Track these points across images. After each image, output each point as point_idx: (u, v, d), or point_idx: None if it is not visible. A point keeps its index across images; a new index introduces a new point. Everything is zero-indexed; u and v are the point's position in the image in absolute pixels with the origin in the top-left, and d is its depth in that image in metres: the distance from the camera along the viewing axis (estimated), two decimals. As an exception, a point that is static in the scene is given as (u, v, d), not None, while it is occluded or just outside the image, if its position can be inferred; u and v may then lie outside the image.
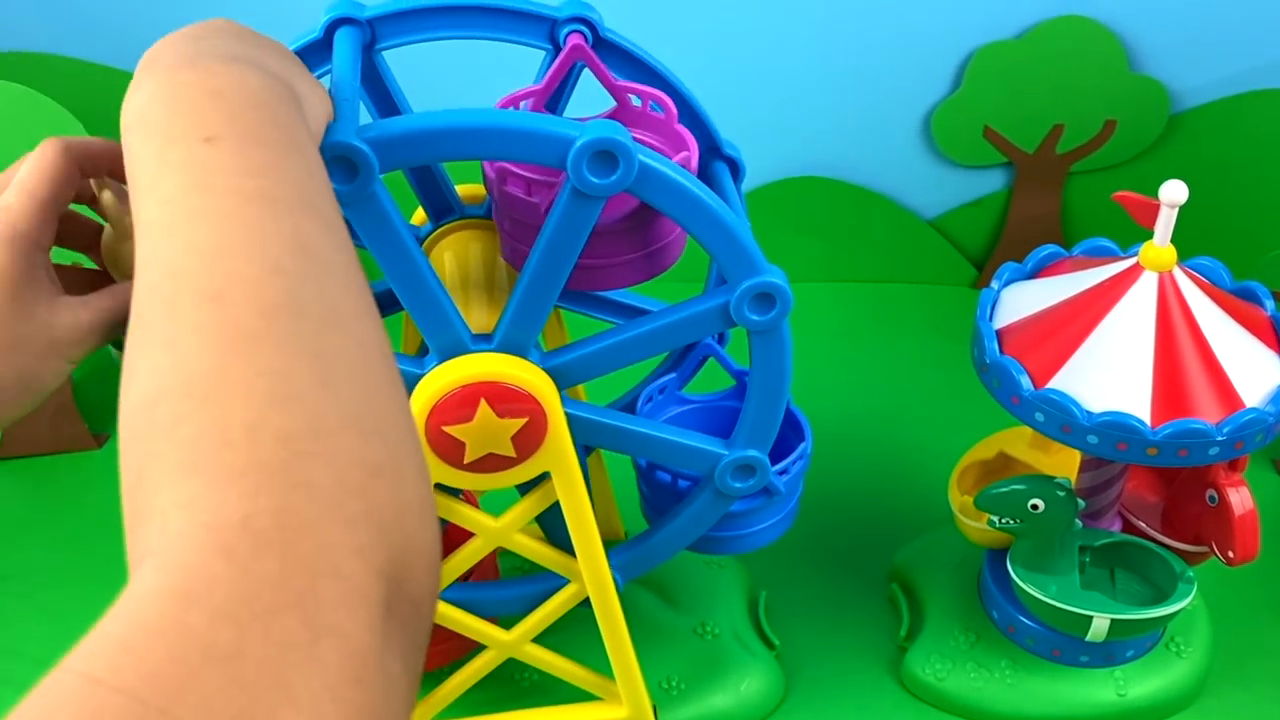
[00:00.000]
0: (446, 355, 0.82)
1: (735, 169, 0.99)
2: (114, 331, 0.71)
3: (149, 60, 0.60)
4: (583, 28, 0.91)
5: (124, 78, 1.61)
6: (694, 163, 0.86)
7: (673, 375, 1.05)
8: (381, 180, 0.74)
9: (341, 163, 0.72)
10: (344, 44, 0.84)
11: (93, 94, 1.39)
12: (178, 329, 0.46)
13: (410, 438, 0.48)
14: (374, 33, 0.88)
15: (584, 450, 1.08)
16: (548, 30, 0.91)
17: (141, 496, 0.43)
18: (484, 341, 0.83)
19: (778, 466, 0.96)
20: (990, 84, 1.45)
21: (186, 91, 0.55)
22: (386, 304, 1.02)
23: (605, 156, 0.74)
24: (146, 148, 0.54)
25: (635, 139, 0.76)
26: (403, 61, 0.93)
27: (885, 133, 1.51)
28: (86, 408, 1.39)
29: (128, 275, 0.77)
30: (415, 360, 0.84)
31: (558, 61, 0.89)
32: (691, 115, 0.96)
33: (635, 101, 0.91)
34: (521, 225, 0.85)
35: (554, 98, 0.93)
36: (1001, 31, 1.43)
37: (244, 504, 0.41)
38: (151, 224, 0.51)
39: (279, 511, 0.41)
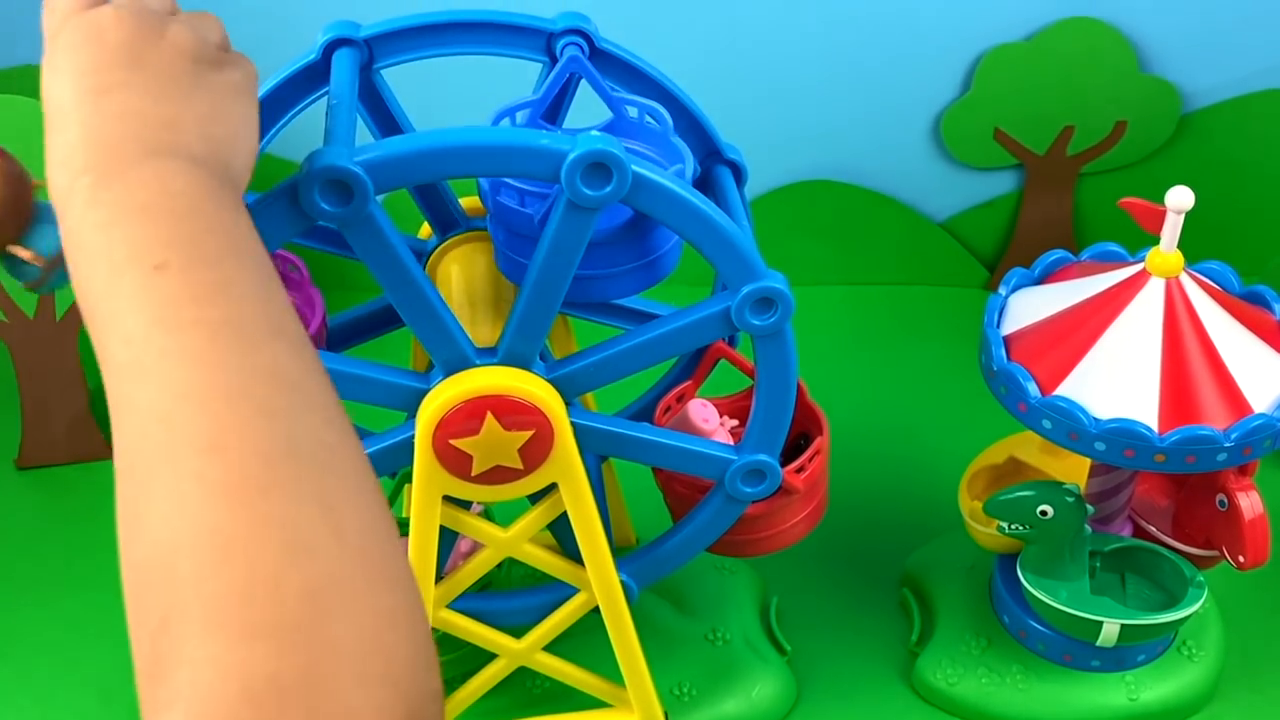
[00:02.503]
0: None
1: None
2: None
3: (63, 135, 0.58)
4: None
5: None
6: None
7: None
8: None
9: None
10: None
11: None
12: (179, 479, 0.47)
13: (412, 579, 0.50)
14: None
15: (597, 459, 1.09)
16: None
17: (166, 644, 0.44)
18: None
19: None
20: (1000, 86, 1.45)
21: (114, 213, 0.55)
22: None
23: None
24: (92, 274, 0.54)
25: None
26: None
27: (895, 135, 1.51)
28: (103, 418, 1.40)
29: None
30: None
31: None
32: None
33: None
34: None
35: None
36: (1011, 33, 1.43)
37: (271, 662, 0.43)
38: (121, 366, 0.51)
39: (306, 670, 0.43)
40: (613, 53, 0.93)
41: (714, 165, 0.98)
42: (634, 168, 0.76)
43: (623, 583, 0.96)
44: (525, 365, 0.84)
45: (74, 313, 1.32)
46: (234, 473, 0.47)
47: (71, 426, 1.37)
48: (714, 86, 1.16)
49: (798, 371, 0.89)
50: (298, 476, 0.48)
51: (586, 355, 0.86)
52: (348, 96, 0.80)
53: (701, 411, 0.99)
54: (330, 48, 0.87)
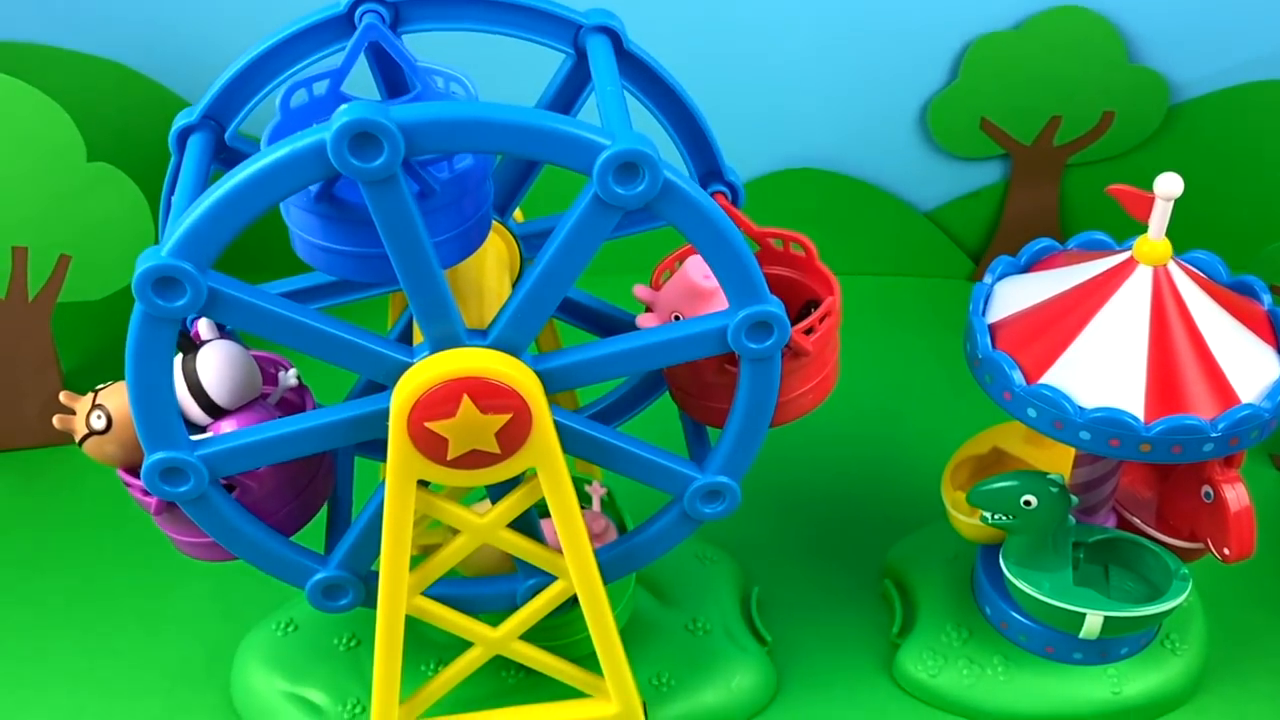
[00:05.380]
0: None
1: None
2: None
3: None
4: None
5: (112, 68, 1.59)
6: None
7: None
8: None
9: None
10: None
11: (81, 85, 1.38)
12: None
13: None
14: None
15: None
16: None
17: None
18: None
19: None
20: (987, 75, 1.44)
21: None
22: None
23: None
24: None
25: None
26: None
27: (882, 125, 1.50)
28: (76, 401, 1.38)
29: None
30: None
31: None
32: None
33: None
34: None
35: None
36: (998, 22, 1.42)
37: None
38: None
39: None
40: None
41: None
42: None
43: (723, 485, 0.92)
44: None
45: (46, 294, 1.30)
46: None
47: (44, 409, 1.35)
48: (700, 74, 1.14)
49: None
50: None
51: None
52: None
53: (703, 267, 0.95)
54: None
